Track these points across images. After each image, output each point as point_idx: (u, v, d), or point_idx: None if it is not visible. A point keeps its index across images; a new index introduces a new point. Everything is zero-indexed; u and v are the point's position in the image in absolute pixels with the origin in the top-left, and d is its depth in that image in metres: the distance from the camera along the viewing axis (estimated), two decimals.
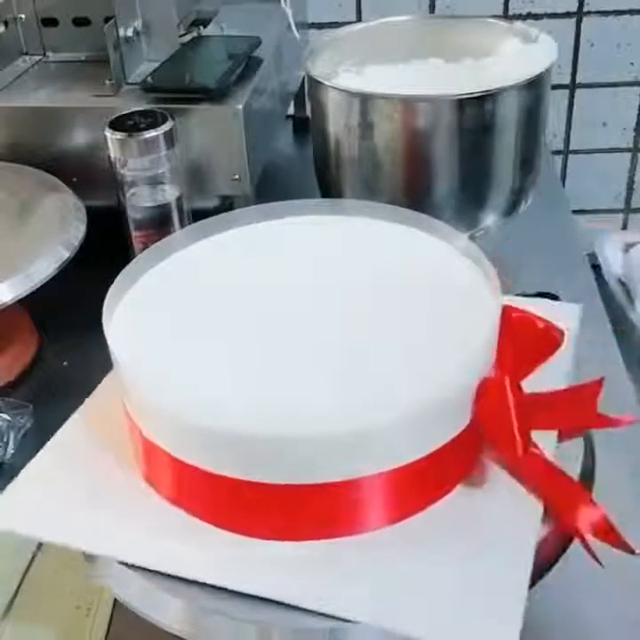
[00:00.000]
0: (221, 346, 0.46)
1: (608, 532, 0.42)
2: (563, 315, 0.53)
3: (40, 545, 0.58)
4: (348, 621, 0.38)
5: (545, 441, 0.45)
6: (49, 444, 0.49)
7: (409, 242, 0.53)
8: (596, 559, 0.42)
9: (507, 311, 0.46)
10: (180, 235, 0.54)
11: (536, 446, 0.44)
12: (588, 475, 0.46)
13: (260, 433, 0.39)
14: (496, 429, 0.43)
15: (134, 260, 0.51)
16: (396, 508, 0.43)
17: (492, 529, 0.42)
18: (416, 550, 0.41)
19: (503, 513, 0.43)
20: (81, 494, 0.46)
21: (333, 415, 0.40)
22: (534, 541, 0.41)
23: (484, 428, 0.44)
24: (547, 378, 0.48)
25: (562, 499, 0.43)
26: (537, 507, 0.43)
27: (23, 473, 0.47)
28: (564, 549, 0.44)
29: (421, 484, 0.43)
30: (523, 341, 0.47)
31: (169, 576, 0.41)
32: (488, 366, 0.44)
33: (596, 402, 0.46)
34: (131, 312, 0.48)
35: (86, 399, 0.51)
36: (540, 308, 0.51)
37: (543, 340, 0.48)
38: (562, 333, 0.48)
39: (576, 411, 0.48)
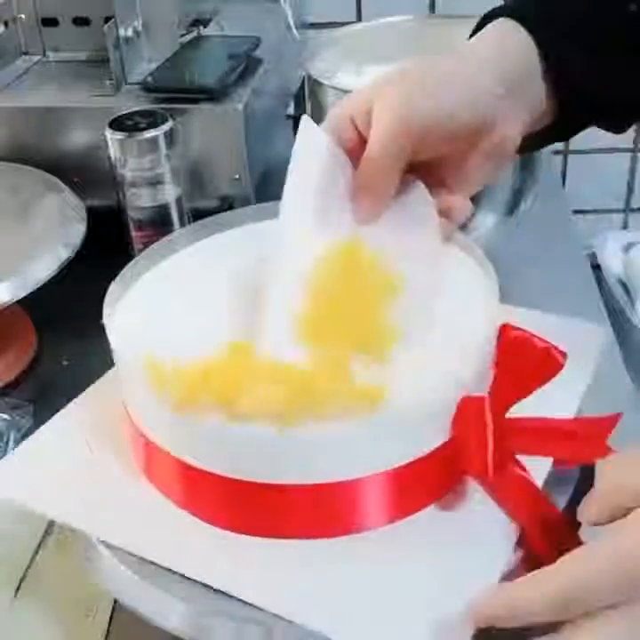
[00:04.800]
0: (223, 344, 0.46)
1: None
2: (584, 335, 0.52)
3: (40, 545, 0.58)
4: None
5: (540, 466, 0.44)
6: (51, 421, 0.50)
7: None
8: None
9: (505, 330, 0.45)
10: (179, 234, 0.54)
11: (523, 469, 0.43)
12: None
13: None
14: (471, 448, 0.42)
15: (134, 260, 0.51)
16: (364, 515, 0.42)
17: (455, 549, 0.41)
18: (361, 556, 0.41)
19: (473, 535, 0.42)
20: (76, 474, 0.47)
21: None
22: (499, 574, 0.40)
23: (460, 445, 0.42)
24: (556, 400, 0.47)
25: (541, 527, 0.42)
26: (510, 534, 0.42)
27: (23, 445, 0.49)
28: None
29: (395, 494, 0.42)
30: (520, 362, 0.45)
31: (169, 576, 0.41)
32: (478, 383, 0.43)
33: (605, 437, 0.44)
34: (131, 312, 0.48)
35: (90, 386, 0.52)
36: (560, 327, 0.49)
37: (543, 362, 0.46)
38: (564, 356, 0.46)
39: (581, 442, 0.45)
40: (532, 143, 0.49)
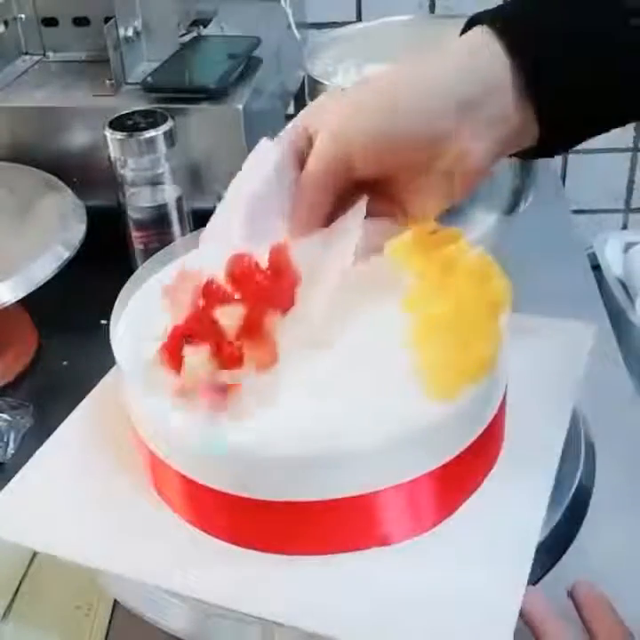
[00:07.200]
0: None
1: None
2: (575, 335, 0.52)
3: None
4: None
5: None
6: (46, 445, 0.48)
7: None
8: None
9: None
10: (184, 240, 0.54)
11: None
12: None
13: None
14: None
15: (139, 269, 0.50)
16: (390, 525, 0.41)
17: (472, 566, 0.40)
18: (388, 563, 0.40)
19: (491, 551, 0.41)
20: (79, 501, 0.45)
21: (343, 433, 0.38)
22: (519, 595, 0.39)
23: None
24: (551, 397, 0.47)
25: None
26: (528, 550, 0.40)
27: (18, 477, 0.46)
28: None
29: (434, 497, 0.42)
30: None
31: None
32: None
33: None
34: (133, 323, 0.47)
35: (85, 398, 0.51)
36: (551, 327, 0.50)
37: None
38: None
39: None
40: (525, 153, 0.46)
